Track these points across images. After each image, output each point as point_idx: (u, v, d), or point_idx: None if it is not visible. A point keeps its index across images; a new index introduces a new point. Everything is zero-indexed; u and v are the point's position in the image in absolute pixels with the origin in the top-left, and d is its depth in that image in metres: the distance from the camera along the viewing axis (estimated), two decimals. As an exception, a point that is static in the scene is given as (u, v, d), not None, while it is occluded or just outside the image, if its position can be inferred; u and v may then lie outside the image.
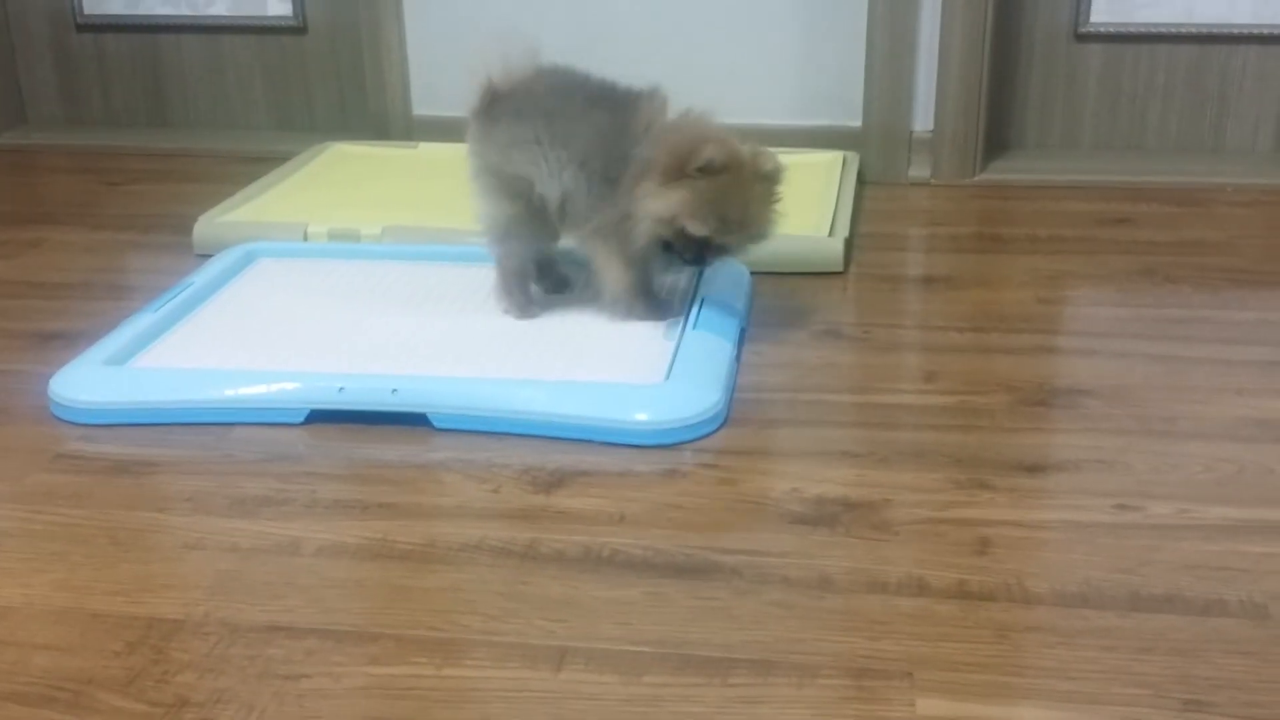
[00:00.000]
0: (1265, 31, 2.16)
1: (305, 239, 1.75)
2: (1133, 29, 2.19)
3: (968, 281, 1.71)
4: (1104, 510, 1.13)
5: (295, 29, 2.43)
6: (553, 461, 1.23)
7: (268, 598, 1.02)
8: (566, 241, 1.52)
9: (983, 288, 1.68)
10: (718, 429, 1.29)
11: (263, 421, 1.31)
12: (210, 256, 1.72)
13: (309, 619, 0.99)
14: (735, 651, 0.94)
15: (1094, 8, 2.19)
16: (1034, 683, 0.90)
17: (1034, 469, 1.21)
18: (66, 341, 1.52)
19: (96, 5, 2.48)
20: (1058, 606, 0.99)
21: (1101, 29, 2.20)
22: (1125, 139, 2.26)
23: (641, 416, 1.27)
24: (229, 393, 1.32)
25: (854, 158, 2.13)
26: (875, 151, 2.17)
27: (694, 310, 1.48)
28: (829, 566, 1.05)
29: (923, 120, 2.16)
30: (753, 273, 1.66)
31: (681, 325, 1.45)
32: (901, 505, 1.14)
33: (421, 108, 2.31)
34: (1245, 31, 2.16)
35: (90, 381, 1.35)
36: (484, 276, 1.56)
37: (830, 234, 1.78)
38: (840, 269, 1.74)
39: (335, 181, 2.07)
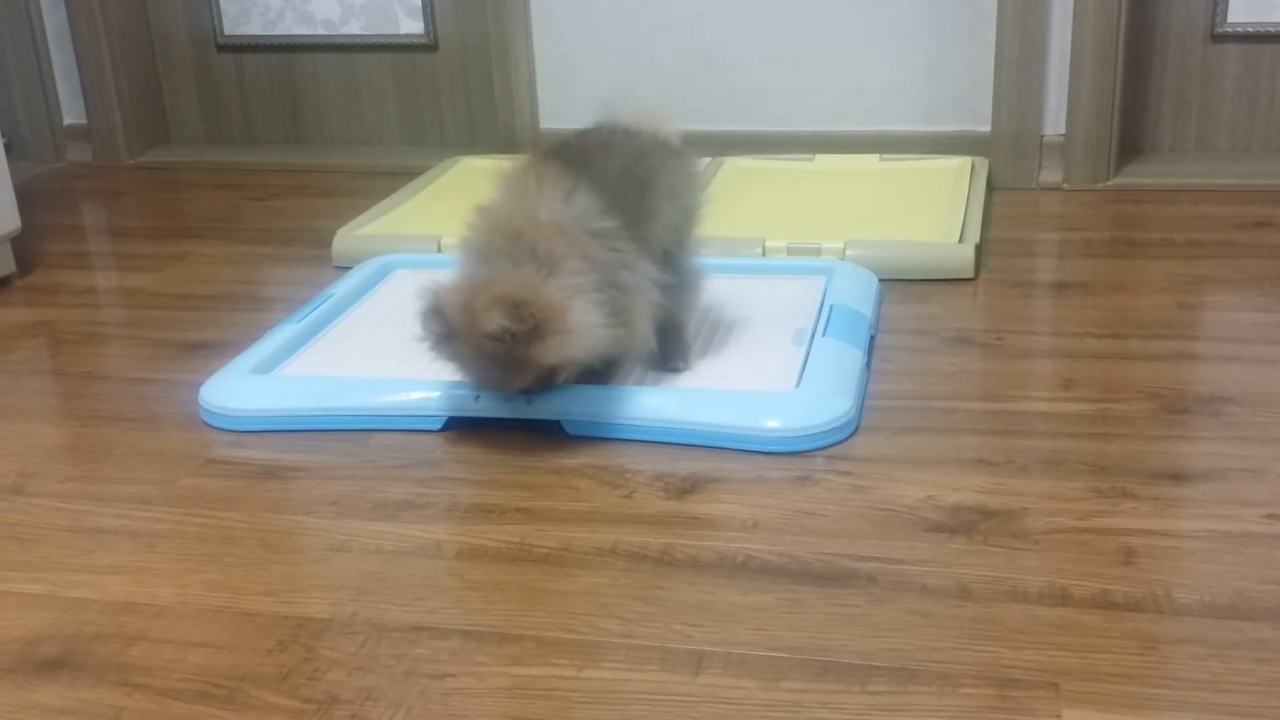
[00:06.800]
0: None
1: (439, 251, 1.78)
2: (1272, 28, 2.13)
3: (1103, 287, 1.68)
4: (1253, 520, 1.10)
5: (427, 46, 2.48)
6: (684, 468, 1.24)
7: (411, 599, 1.04)
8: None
9: (1119, 293, 1.65)
10: (849, 436, 1.29)
11: (402, 428, 1.34)
12: (348, 269, 1.77)
13: (452, 620, 1.01)
14: (874, 659, 0.94)
15: (1231, 7, 2.13)
16: (1184, 695, 0.88)
17: (1179, 477, 1.18)
18: (212, 351, 1.58)
19: (236, 26, 2.56)
20: (1207, 618, 0.96)
21: (1239, 29, 2.14)
22: (1264, 141, 2.20)
23: (772, 423, 1.27)
24: (371, 400, 1.35)
25: (983, 163, 2.11)
26: (1005, 156, 2.14)
27: (823, 318, 1.47)
28: (967, 575, 1.04)
29: (1054, 124, 2.13)
30: (882, 279, 1.65)
31: (811, 333, 1.45)
32: (1040, 514, 1.13)
33: (548, 122, 2.34)
34: (1392, 28, 2.09)
35: (239, 389, 1.39)
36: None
37: (960, 240, 1.76)
38: (971, 275, 1.72)
39: (466, 195, 2.10)
